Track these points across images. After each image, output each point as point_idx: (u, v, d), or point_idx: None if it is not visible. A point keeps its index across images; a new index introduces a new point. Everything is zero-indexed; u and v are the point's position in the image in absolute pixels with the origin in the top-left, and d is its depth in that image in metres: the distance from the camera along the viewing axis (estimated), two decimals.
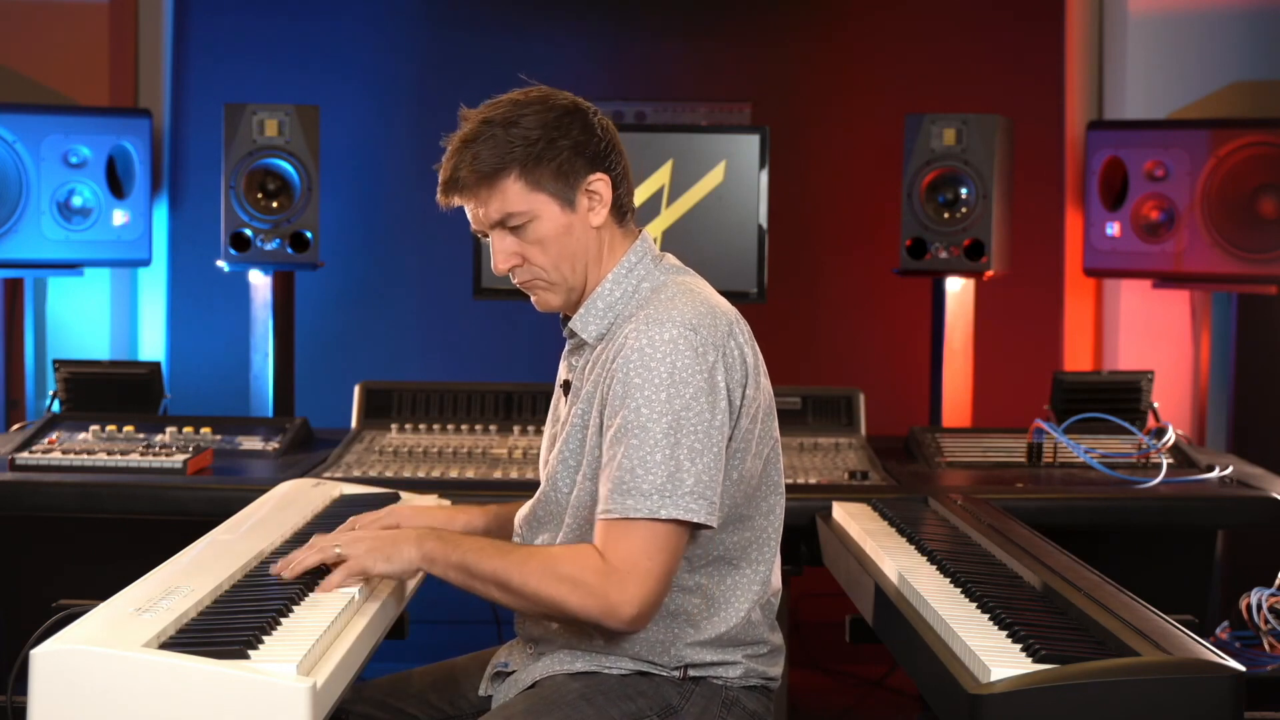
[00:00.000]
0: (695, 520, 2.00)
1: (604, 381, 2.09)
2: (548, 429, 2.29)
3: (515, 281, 2.18)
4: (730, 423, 2.07)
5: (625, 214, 2.19)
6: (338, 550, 2.08)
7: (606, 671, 2.13)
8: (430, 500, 2.82)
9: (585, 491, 2.11)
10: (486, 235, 2.16)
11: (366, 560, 2.07)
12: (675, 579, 2.09)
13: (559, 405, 2.26)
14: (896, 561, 2.33)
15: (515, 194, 2.10)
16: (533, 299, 2.21)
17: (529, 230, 2.12)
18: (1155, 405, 3.60)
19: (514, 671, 2.22)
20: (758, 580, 2.16)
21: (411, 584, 2.32)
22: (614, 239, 2.18)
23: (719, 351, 2.06)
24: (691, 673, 2.13)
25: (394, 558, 2.07)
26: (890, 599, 2.20)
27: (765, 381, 2.16)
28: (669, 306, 2.07)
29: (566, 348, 2.25)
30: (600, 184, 2.13)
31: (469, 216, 2.15)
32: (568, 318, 2.21)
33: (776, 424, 2.20)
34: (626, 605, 1.98)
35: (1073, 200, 4.54)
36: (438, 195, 2.14)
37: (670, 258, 2.23)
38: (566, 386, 2.22)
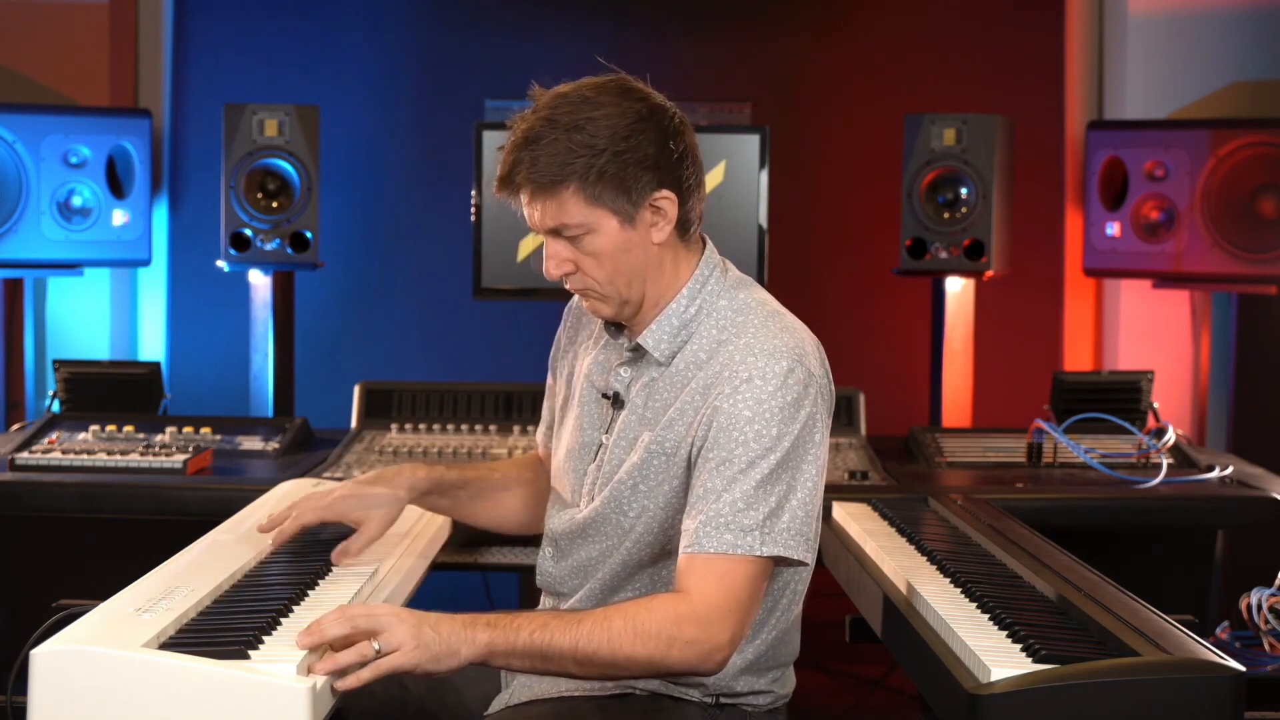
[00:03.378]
0: (794, 557, 1.96)
1: (697, 410, 2.01)
2: (579, 433, 2.18)
3: (567, 286, 2.09)
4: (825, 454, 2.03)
5: (689, 226, 2.08)
6: (377, 648, 1.80)
7: (634, 693, 2.10)
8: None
9: (658, 520, 2.06)
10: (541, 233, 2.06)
11: (410, 660, 1.81)
12: None
13: (591, 406, 2.17)
14: (897, 562, 2.33)
15: (573, 206, 1.98)
16: (584, 304, 2.12)
17: (584, 242, 2.01)
18: (1155, 405, 3.59)
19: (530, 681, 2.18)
20: (797, 602, 2.15)
21: (411, 586, 2.32)
22: (678, 254, 2.08)
23: (819, 385, 2.01)
24: (723, 700, 2.11)
25: (443, 659, 1.83)
26: (890, 599, 2.20)
27: None
28: (771, 336, 2.01)
29: (611, 355, 2.15)
30: (666, 201, 2.02)
31: (525, 214, 2.04)
32: (615, 324, 2.14)
33: None
34: (723, 649, 1.92)
35: (1073, 200, 4.54)
36: (495, 186, 2.03)
37: (732, 268, 2.15)
38: (617, 400, 2.13)
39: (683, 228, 2.07)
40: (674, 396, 2.06)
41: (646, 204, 2.01)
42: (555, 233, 2.02)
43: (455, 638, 1.84)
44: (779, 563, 1.99)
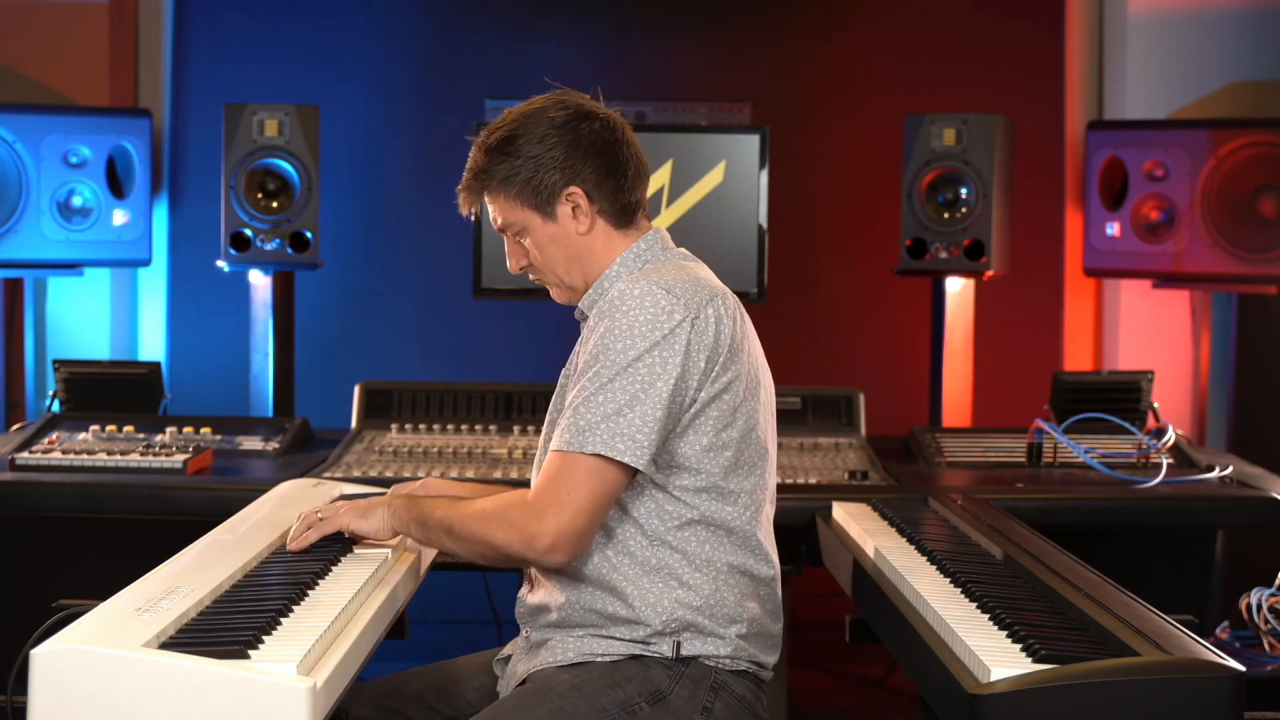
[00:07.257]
0: (616, 458, 2.06)
1: (581, 345, 2.20)
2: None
3: (532, 278, 2.31)
4: (693, 386, 2.11)
5: (625, 214, 2.25)
6: (320, 516, 2.30)
7: (597, 660, 2.14)
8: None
9: None
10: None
11: (343, 518, 2.28)
12: (656, 533, 2.14)
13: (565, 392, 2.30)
14: (897, 562, 2.33)
15: (500, 208, 2.24)
16: (553, 295, 2.32)
17: (525, 237, 2.25)
18: (1155, 405, 3.59)
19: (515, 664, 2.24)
20: (738, 552, 2.18)
21: (413, 584, 2.32)
22: (611, 239, 2.25)
23: (689, 314, 2.11)
24: (684, 650, 2.14)
25: (369, 515, 2.28)
26: (890, 600, 2.20)
27: (751, 359, 2.19)
28: (653, 272, 2.17)
29: (581, 334, 2.28)
30: (576, 195, 2.21)
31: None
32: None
33: (764, 402, 2.23)
34: (543, 535, 2.06)
35: (1073, 200, 4.54)
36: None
37: (684, 251, 2.30)
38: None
39: (614, 215, 2.24)
40: (584, 346, 2.22)
41: (561, 199, 2.21)
42: (505, 230, 2.27)
43: (378, 503, 2.30)
44: (621, 468, 2.07)
